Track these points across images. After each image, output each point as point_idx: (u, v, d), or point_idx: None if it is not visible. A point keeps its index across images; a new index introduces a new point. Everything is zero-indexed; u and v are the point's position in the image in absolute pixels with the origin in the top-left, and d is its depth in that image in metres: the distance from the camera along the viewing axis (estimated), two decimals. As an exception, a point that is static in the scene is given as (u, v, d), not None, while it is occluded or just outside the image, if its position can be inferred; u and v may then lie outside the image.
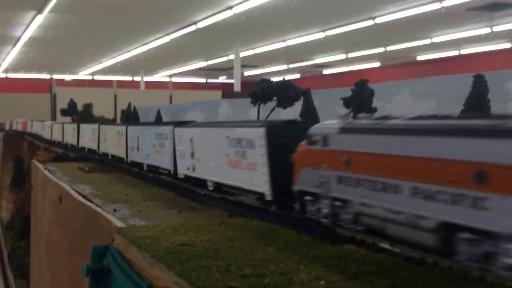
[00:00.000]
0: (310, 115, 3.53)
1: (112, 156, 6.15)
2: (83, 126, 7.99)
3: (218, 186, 3.44)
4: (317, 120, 3.46)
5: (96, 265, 2.64)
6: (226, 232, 2.68)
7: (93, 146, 7.13)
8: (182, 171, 3.87)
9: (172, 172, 4.10)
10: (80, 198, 3.87)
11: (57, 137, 10.32)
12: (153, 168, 4.74)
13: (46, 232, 5.17)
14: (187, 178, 3.88)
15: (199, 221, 2.95)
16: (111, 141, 6.15)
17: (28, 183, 9.29)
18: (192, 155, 3.66)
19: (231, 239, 2.49)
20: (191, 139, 3.68)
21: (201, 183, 3.62)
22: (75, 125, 8.46)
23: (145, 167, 4.85)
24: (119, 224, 2.90)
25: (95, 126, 7.07)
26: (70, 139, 8.79)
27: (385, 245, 2.17)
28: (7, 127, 19.48)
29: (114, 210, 3.43)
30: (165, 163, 4.28)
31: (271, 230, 2.68)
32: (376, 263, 2.04)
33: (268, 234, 2.60)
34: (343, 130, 2.27)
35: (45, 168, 6.05)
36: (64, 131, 9.48)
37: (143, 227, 2.81)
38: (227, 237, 2.55)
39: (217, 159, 3.28)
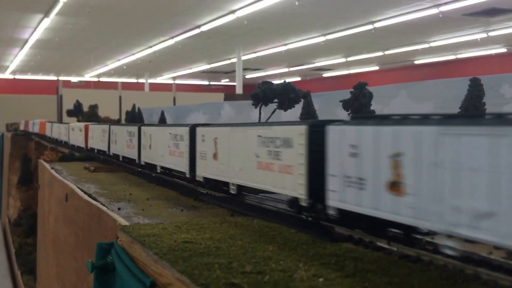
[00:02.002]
0: (310, 117, 3.59)
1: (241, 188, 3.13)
2: (148, 130, 4.77)
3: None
4: None
5: (100, 262, 2.70)
6: (227, 230, 2.73)
7: (175, 164, 4.03)
8: None
9: None
10: (86, 197, 3.94)
11: (97, 144, 6.95)
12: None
13: (52, 229, 5.24)
14: None
15: (201, 220, 3.00)
16: (230, 155, 3.15)
17: (35, 182, 9.28)
18: None
19: (233, 237, 2.54)
20: None
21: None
22: (133, 128, 5.20)
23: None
24: (124, 222, 2.96)
25: (177, 130, 3.96)
26: (123, 149, 5.59)
27: (382, 244, 2.22)
28: (21, 127, 19.21)
29: (119, 209, 3.49)
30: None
31: (271, 229, 2.74)
32: (373, 261, 2.09)
33: (269, 233, 2.65)
34: None
35: (52, 168, 6.13)
36: (112, 137, 6.10)
37: (147, 225, 2.87)
38: (228, 235, 2.60)
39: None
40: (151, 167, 4.77)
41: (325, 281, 1.85)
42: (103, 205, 3.57)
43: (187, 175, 3.83)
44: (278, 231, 2.68)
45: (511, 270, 1.73)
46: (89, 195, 4.05)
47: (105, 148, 6.59)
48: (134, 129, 5.25)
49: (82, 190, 4.27)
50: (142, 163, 5.01)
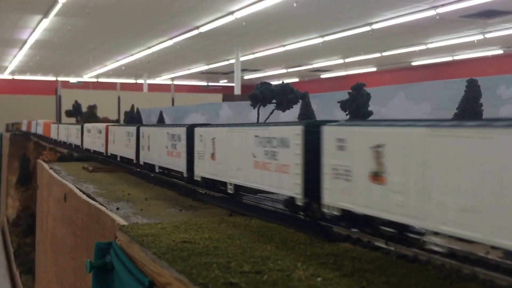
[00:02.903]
0: (308, 117, 3.61)
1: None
2: (207, 132, 3.54)
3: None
4: None
5: (99, 262, 2.71)
6: (226, 230, 2.73)
7: (268, 183, 2.77)
8: None
9: None
10: (84, 197, 3.94)
11: (120, 150, 5.64)
12: None
13: (51, 229, 5.24)
14: None
15: (200, 220, 3.00)
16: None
17: (34, 182, 9.21)
18: None
19: (231, 237, 2.55)
20: None
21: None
22: (178, 130, 4.06)
23: None
24: (122, 222, 2.96)
25: (267, 131, 2.76)
26: (161, 158, 4.40)
27: (380, 244, 2.23)
28: (23, 128, 18.58)
29: (117, 209, 3.49)
30: None
31: (269, 229, 2.74)
32: (371, 260, 2.09)
33: (267, 233, 2.65)
34: None
35: (51, 168, 6.13)
36: (142, 142, 4.91)
37: (145, 225, 2.87)
38: (227, 235, 2.60)
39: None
40: (214, 184, 3.44)
41: (323, 280, 1.85)
42: (102, 205, 3.57)
43: (299, 202, 2.47)
44: (276, 231, 2.68)
45: (509, 270, 1.74)
46: (88, 195, 4.05)
47: (131, 156, 5.11)
48: (180, 131, 3.89)
49: (80, 190, 4.27)
50: (197, 178, 3.61)
